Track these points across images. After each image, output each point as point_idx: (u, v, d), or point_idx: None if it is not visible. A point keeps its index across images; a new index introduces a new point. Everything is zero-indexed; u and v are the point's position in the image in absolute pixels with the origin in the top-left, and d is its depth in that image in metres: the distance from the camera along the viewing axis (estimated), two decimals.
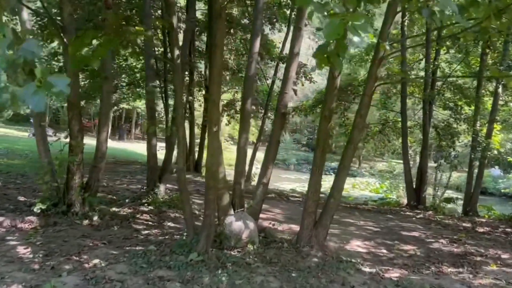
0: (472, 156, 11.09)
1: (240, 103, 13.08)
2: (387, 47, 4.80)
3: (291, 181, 28.64)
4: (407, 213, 11.09)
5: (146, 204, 7.12)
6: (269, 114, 16.10)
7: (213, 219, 5.23)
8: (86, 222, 6.06)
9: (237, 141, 6.33)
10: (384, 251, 6.34)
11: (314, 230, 5.52)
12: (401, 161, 13.86)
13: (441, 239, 7.70)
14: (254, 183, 18.56)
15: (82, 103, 17.19)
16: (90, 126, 31.45)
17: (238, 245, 5.25)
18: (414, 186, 12.42)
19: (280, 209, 9.52)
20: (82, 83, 15.66)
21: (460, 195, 13.83)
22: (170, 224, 6.55)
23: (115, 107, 21.97)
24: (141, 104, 26.90)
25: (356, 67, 16.43)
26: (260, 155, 32.62)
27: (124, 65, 15.66)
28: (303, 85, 14.52)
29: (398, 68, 11.57)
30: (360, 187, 27.91)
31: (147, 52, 8.10)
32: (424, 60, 12.95)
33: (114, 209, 6.83)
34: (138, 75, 15.95)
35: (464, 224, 9.70)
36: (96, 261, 4.45)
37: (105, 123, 7.14)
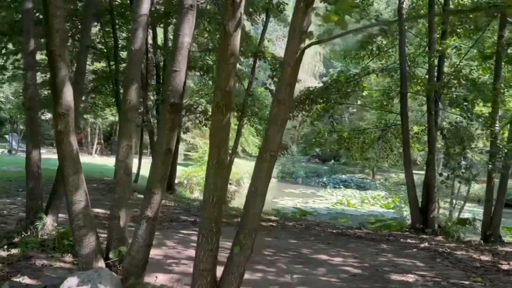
0: (490, 166, 8.61)
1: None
2: None
3: (294, 196, 26.26)
4: (409, 240, 8.67)
5: (6, 247, 4.93)
6: (244, 120, 13.97)
7: None
8: None
9: (117, 151, 4.14)
10: None
11: None
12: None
13: (447, 286, 5.34)
14: (234, 204, 16.32)
15: None
16: (80, 139, 29.45)
17: None
18: (420, 205, 10.02)
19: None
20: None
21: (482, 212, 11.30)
22: (25, 280, 4.34)
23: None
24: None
25: (352, 63, 14.09)
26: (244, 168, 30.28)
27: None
28: None
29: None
30: (371, 201, 25.29)
31: None
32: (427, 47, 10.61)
33: None
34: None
35: (482, 257, 7.25)
36: None
37: None
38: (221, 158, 3.08)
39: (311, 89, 10.34)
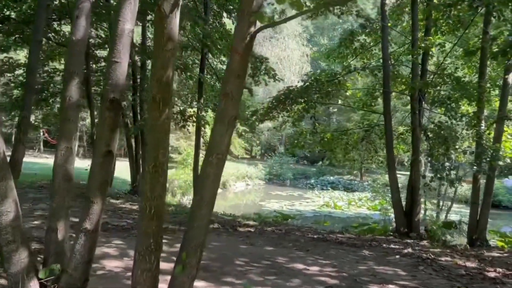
0: (475, 167, 8.24)
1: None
2: None
3: (281, 199, 25.86)
4: (392, 245, 8.27)
5: None
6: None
7: None
8: None
9: (55, 154, 3.66)
10: None
11: None
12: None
13: None
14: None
15: None
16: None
17: None
18: (404, 208, 9.64)
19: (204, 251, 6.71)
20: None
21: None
22: None
23: None
24: None
25: (335, 63, 13.69)
26: (230, 171, 29.82)
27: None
28: (266, 84, 11.90)
29: None
30: (358, 203, 24.96)
31: None
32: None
33: None
34: None
35: (467, 264, 6.88)
36: None
37: None
38: (160, 161, 2.63)
39: (291, 88, 9.92)
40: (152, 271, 2.75)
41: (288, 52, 39.61)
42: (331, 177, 36.36)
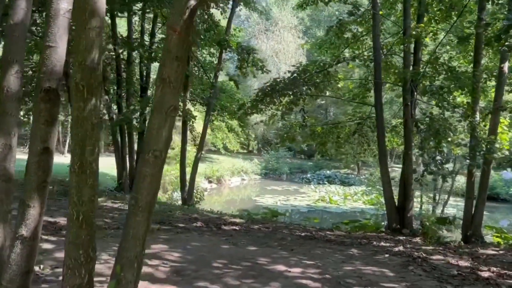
0: (468, 161, 7.85)
1: None
2: None
3: (276, 194, 25.52)
4: (383, 243, 7.92)
5: None
6: (213, 115, 13.09)
7: None
8: None
9: None
10: None
11: None
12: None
13: None
14: (205, 205, 15.43)
15: None
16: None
17: None
18: (396, 204, 9.28)
19: (181, 252, 6.31)
20: None
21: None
22: None
23: None
24: None
25: (327, 54, 13.24)
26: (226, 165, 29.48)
27: None
28: (255, 76, 11.48)
29: None
30: (354, 198, 24.61)
31: None
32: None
33: None
34: None
35: (460, 263, 6.52)
36: None
37: None
38: (86, 160, 2.24)
39: (278, 80, 9.51)
40: (84, 286, 2.38)
41: (284, 45, 39.09)
42: (328, 171, 36.01)
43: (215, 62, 13.61)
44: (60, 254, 5.33)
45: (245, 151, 43.45)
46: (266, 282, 5.08)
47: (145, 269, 5.26)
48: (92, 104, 2.21)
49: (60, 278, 4.56)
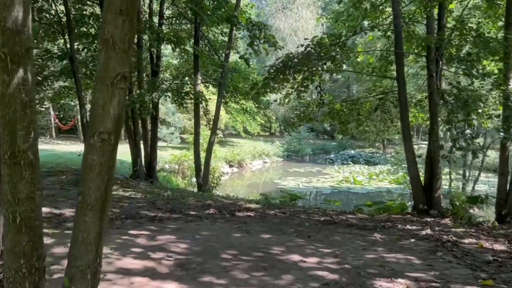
0: (502, 134, 7.11)
1: None
2: None
3: (299, 176, 25.05)
4: (408, 226, 7.35)
5: None
6: (227, 97, 12.56)
7: None
8: None
9: None
10: None
11: None
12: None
13: None
14: (219, 191, 14.97)
15: None
16: (72, 126, 27.99)
17: None
18: (422, 183, 8.64)
19: (189, 243, 5.90)
20: None
21: None
22: None
23: None
24: None
25: (344, 26, 12.47)
26: (246, 148, 29.23)
27: None
28: (267, 54, 10.89)
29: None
30: (379, 177, 23.92)
31: None
32: None
33: None
34: None
35: (495, 246, 5.92)
36: None
37: None
38: (19, 148, 1.79)
39: (290, 55, 8.90)
40: None
41: (302, 23, 38.01)
42: (352, 151, 35.27)
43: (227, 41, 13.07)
44: (59, 250, 5.01)
45: (266, 133, 42.96)
46: (277, 274, 4.62)
47: (147, 263, 4.90)
48: (19, 77, 1.74)
49: (54, 276, 4.24)
